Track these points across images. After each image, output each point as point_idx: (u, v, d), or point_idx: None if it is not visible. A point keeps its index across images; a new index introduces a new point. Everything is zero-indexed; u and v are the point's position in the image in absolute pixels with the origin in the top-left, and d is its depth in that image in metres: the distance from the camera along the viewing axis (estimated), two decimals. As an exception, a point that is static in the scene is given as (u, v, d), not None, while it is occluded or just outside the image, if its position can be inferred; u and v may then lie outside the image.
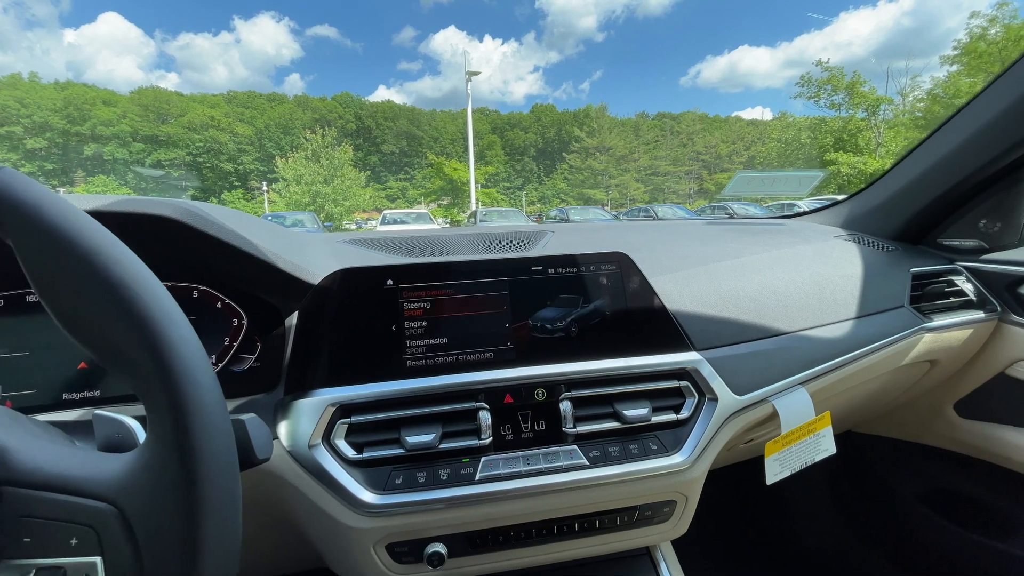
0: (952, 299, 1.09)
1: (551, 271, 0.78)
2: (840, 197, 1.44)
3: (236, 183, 64.59)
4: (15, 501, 0.36)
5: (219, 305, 0.72)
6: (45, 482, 0.36)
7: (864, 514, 1.42)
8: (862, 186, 1.31)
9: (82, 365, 0.68)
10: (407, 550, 0.69)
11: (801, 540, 1.53)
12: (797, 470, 0.87)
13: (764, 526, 1.59)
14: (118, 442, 0.43)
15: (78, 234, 0.35)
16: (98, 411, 0.44)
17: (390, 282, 0.73)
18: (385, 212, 22.64)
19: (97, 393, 0.68)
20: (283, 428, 0.67)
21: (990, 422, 1.15)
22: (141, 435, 0.44)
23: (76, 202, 0.60)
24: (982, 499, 1.21)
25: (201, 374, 0.36)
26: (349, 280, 0.73)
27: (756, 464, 1.11)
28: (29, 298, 0.67)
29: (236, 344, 0.72)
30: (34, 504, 0.36)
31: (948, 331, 1.04)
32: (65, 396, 0.67)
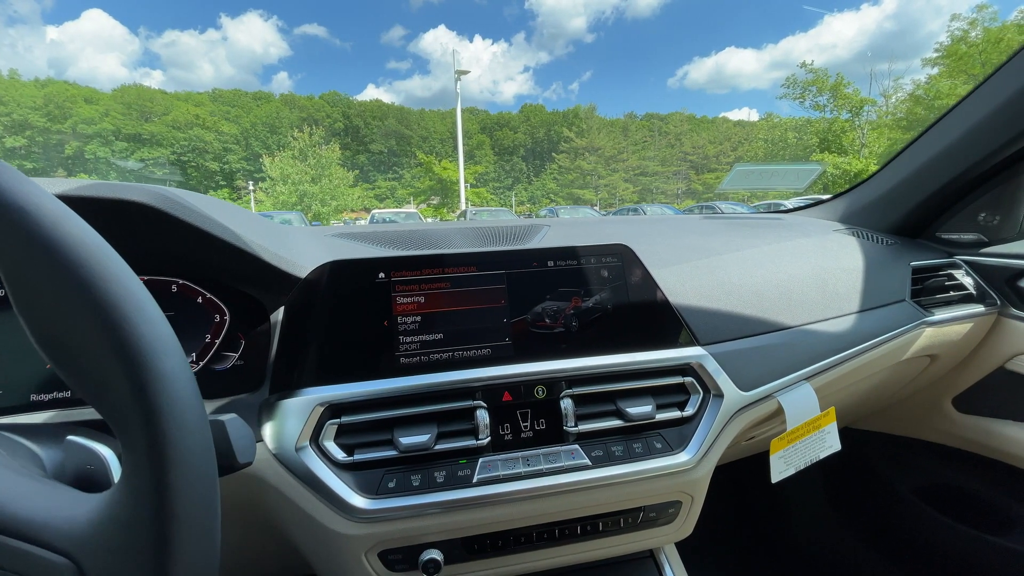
0: (952, 293, 1.08)
1: (551, 264, 0.75)
2: (825, 196, 1.43)
3: (222, 182, 63.71)
4: None
5: (199, 300, 0.68)
6: None
7: (863, 510, 1.41)
8: (847, 186, 1.30)
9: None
10: (401, 557, 0.65)
11: (801, 537, 1.52)
12: (802, 467, 0.85)
13: (764, 523, 1.58)
14: (90, 475, 0.38)
15: (67, 244, 0.30)
16: (71, 437, 0.39)
17: (382, 275, 0.70)
18: (374, 212, 22.50)
19: (67, 394, 0.63)
20: (268, 430, 0.63)
21: (989, 417, 1.14)
22: (115, 469, 0.39)
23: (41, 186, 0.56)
24: (980, 494, 1.20)
25: (191, 415, 0.31)
26: (338, 273, 0.69)
27: (754, 461, 1.09)
28: None
29: (218, 341, 0.68)
30: None
31: (948, 325, 1.02)
32: (33, 397, 0.62)
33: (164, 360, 0.30)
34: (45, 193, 0.32)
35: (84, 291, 0.29)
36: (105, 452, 0.38)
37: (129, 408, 0.30)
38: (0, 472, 0.34)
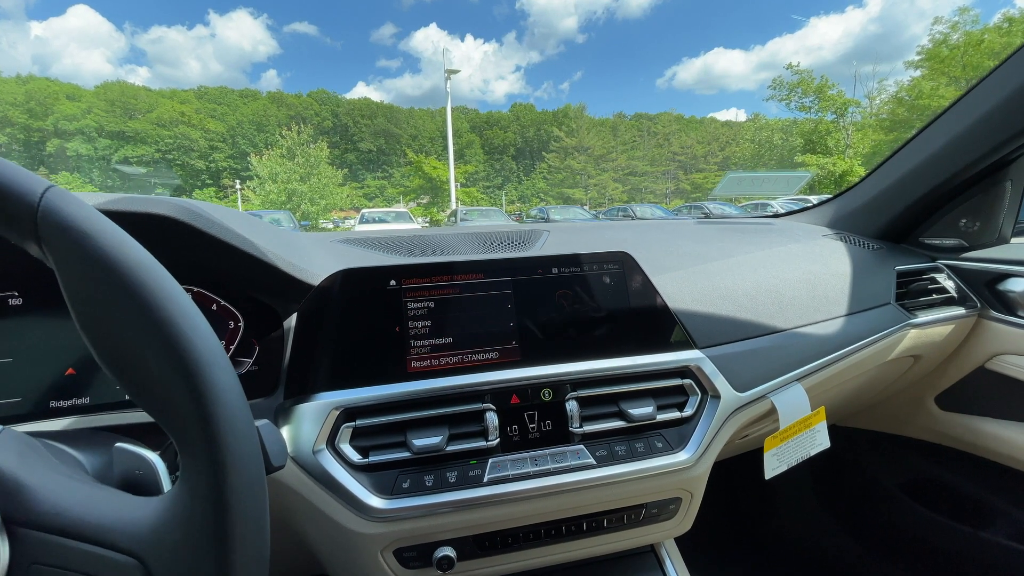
0: (934, 296, 1.12)
1: (555, 270, 0.78)
2: (812, 197, 1.47)
3: (208, 181, 62.97)
4: (29, 546, 0.32)
5: (214, 308, 0.70)
6: (64, 527, 0.33)
7: (850, 504, 1.46)
8: (832, 186, 1.35)
9: (70, 372, 0.65)
10: (415, 554, 0.68)
11: (792, 530, 1.57)
12: (794, 464, 0.88)
13: (758, 517, 1.62)
14: (138, 480, 0.40)
15: (127, 266, 0.32)
16: (120, 444, 0.41)
17: (393, 283, 0.72)
18: (364, 211, 22.28)
19: (87, 400, 0.65)
20: (285, 433, 0.65)
21: (969, 414, 1.19)
22: (163, 474, 0.41)
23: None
24: (962, 488, 1.25)
25: (242, 423, 0.34)
26: (351, 281, 0.71)
27: (749, 458, 1.13)
28: (12, 301, 0.64)
29: (233, 348, 0.69)
30: (50, 551, 0.33)
31: (931, 327, 1.07)
32: (53, 404, 0.64)
33: (217, 371, 0.33)
34: (101, 216, 0.34)
35: (145, 310, 0.31)
36: (153, 457, 0.40)
37: (188, 416, 0.32)
38: (58, 479, 0.36)
